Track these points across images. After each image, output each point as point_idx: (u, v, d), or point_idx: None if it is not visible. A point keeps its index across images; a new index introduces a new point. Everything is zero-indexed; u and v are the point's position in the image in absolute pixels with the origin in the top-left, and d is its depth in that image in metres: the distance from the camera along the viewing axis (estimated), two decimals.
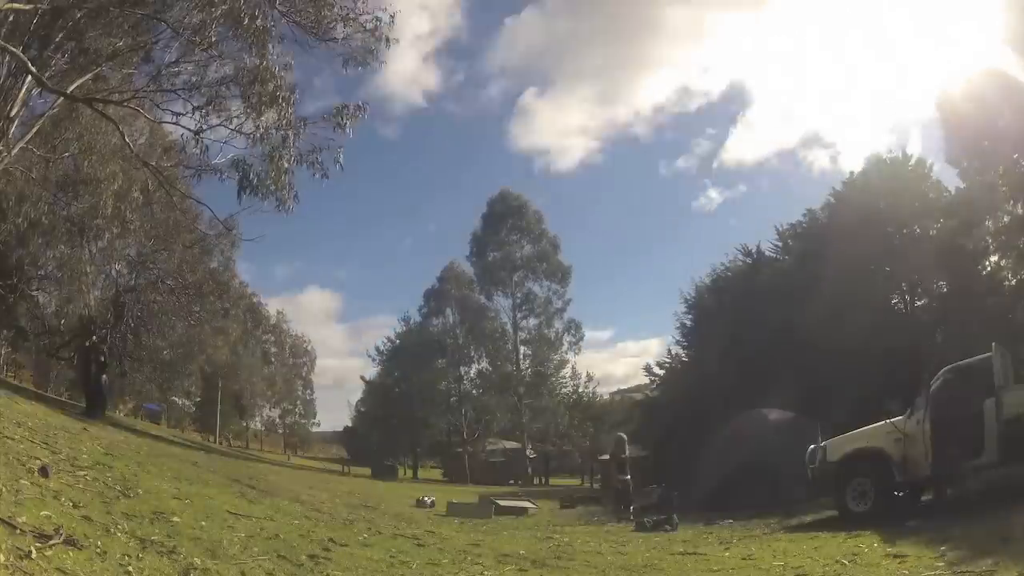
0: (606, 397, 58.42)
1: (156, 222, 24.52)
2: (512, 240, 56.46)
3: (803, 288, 24.93)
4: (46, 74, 13.60)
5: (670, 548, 10.61)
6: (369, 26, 15.23)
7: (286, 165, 14.40)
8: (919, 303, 27.58)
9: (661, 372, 35.20)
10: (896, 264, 27.05)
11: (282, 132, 14.55)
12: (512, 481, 46.35)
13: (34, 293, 25.95)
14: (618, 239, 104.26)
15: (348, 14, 15.05)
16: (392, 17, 15.45)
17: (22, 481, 6.55)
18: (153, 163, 17.08)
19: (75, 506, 6.39)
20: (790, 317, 24.26)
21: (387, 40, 15.54)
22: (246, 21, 13.73)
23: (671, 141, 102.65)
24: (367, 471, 45.19)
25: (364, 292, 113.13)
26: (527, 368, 56.50)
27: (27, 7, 12.28)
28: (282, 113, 14.57)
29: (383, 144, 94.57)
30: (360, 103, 15.40)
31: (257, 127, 14.53)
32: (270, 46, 14.66)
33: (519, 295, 56.15)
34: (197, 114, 14.58)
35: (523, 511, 19.94)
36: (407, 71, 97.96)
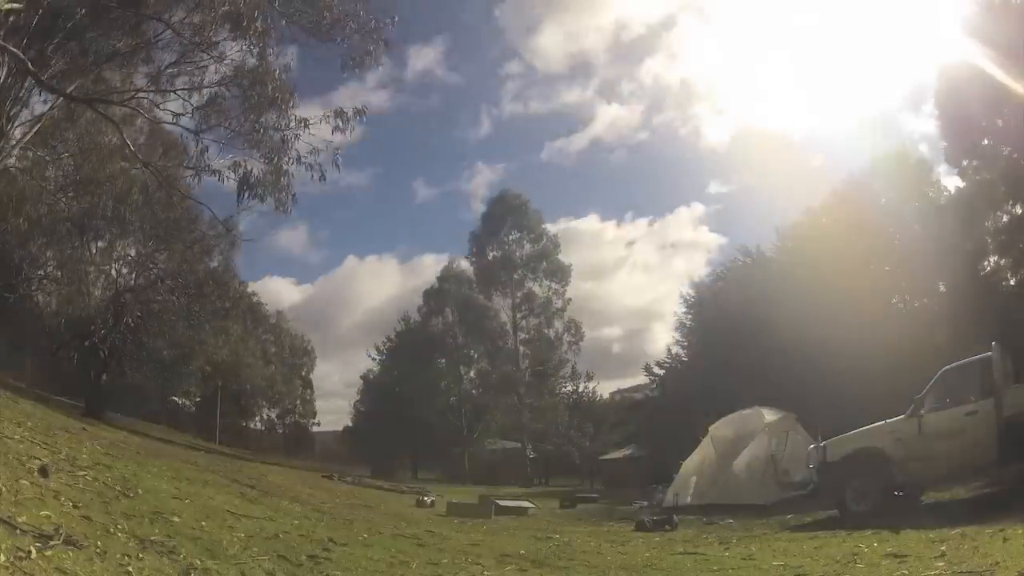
0: (606, 397, 58.53)
1: (156, 222, 24.51)
2: (512, 240, 56.53)
3: (803, 288, 24.97)
4: (46, 74, 13.61)
5: (670, 548, 10.60)
6: (368, 28, 15.28)
7: (285, 167, 14.46)
8: (919, 303, 27.61)
9: (661, 372, 35.28)
10: (896, 264, 27.08)
11: (281, 133, 14.60)
12: (512, 481, 46.34)
13: (34, 293, 25.95)
14: None
15: (347, 15, 15.09)
16: (392, 19, 15.52)
17: (22, 481, 6.54)
18: (153, 163, 17.11)
19: (75, 506, 6.38)
20: (790, 317, 24.29)
21: (385, 42, 15.60)
22: (246, 22, 13.77)
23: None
24: (366, 471, 45.14)
25: None
26: (527, 368, 56.49)
27: (25, 7, 12.28)
28: (281, 114, 14.62)
29: None
30: (359, 106, 15.51)
31: (256, 128, 14.57)
32: (270, 47, 14.70)
33: (519, 295, 56.19)
34: (197, 115, 14.64)
35: (523, 511, 19.92)
36: None
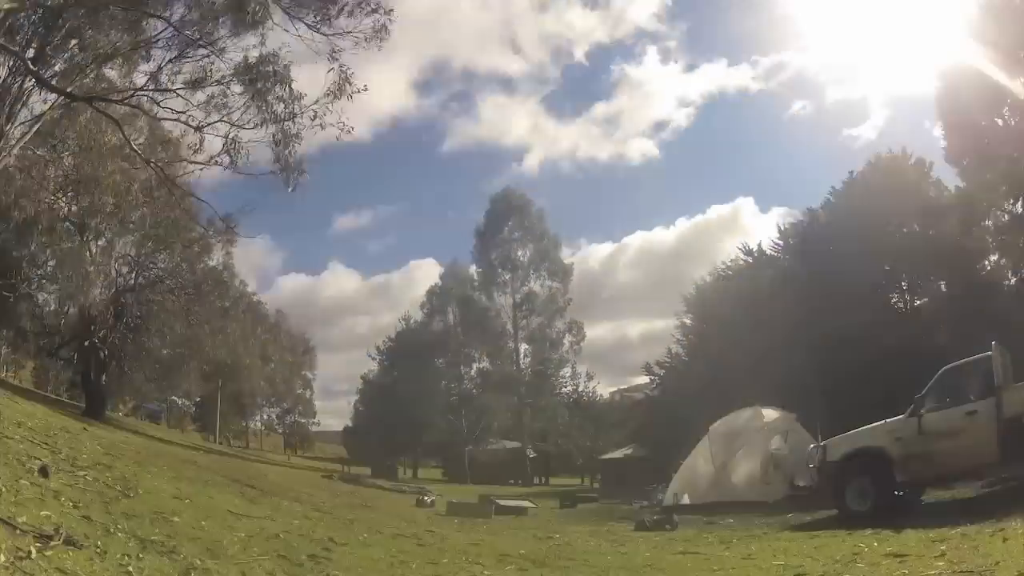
0: (606, 396, 58.55)
1: (156, 221, 24.47)
2: (514, 239, 56.54)
3: (803, 287, 24.97)
4: (46, 73, 13.61)
5: (670, 548, 10.59)
6: (368, 25, 15.29)
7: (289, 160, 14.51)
8: (919, 303, 27.60)
9: (661, 372, 35.22)
10: (896, 264, 27.08)
11: (284, 124, 14.65)
12: (512, 481, 46.32)
13: (34, 292, 25.95)
14: None
15: (347, 9, 15.09)
16: (390, 13, 15.53)
17: (22, 481, 6.54)
18: (154, 161, 17.10)
19: (75, 506, 6.38)
20: (790, 316, 24.29)
21: (387, 30, 15.62)
22: (247, 17, 13.78)
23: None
24: (366, 470, 45.12)
25: None
26: (527, 368, 56.50)
27: (25, 6, 12.28)
28: (281, 113, 14.64)
29: None
30: (360, 87, 15.51)
31: (257, 126, 14.60)
32: (270, 38, 14.72)
33: (520, 294, 56.21)
34: (198, 112, 14.65)
35: (523, 511, 19.92)
36: None
